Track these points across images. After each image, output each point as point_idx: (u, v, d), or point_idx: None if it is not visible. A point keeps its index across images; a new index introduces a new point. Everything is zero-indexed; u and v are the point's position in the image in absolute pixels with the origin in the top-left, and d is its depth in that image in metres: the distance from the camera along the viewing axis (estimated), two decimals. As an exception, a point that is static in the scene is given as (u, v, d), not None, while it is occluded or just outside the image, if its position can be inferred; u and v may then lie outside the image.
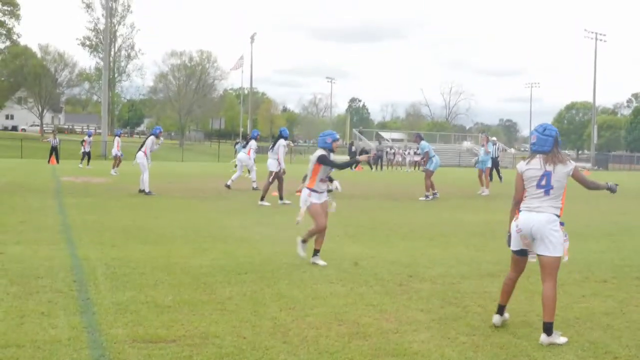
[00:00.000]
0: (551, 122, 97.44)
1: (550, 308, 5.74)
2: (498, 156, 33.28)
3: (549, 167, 5.83)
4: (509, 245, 6.16)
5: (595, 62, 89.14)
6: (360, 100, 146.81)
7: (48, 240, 10.36)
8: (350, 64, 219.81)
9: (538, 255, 5.88)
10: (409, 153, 56.19)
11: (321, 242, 9.28)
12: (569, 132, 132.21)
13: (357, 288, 7.68)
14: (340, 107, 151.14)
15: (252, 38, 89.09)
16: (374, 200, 20.02)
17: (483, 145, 25.21)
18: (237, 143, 42.09)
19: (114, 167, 30.36)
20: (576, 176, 5.92)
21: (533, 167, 5.92)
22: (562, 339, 5.71)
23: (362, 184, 28.06)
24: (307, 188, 9.22)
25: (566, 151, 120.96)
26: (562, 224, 5.87)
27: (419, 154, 53.31)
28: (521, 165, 6.07)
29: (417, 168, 52.60)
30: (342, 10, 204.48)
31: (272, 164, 17.54)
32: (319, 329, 5.95)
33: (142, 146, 19.56)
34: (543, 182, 5.84)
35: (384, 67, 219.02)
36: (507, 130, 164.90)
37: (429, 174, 20.60)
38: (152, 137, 19.68)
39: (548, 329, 5.69)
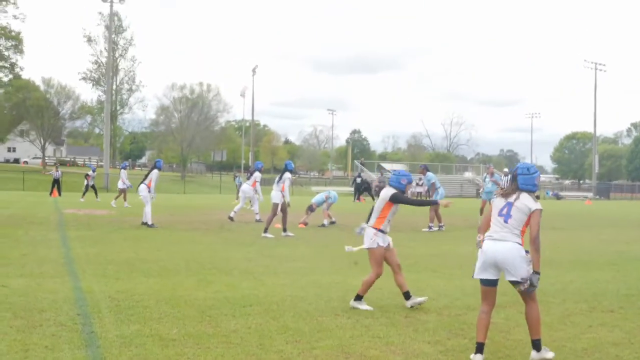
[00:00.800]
0: (552, 152, 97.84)
1: (536, 326, 6.00)
2: None
3: (511, 200, 6.09)
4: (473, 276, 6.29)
5: (595, 92, 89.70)
6: (360, 132, 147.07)
7: (51, 273, 10.32)
8: (348, 95, 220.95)
9: (509, 281, 6.05)
10: (413, 184, 56.13)
11: (403, 282, 8.56)
12: (570, 161, 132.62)
13: (363, 320, 7.62)
14: (341, 138, 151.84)
15: (254, 71, 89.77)
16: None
17: (488, 176, 25.15)
18: (235, 177, 42.08)
19: (116, 199, 30.59)
20: (532, 220, 5.99)
21: (501, 199, 6.22)
22: (550, 354, 5.97)
23: (365, 215, 27.97)
24: (374, 228, 8.48)
25: (567, 181, 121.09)
26: (526, 252, 5.98)
27: (420, 185, 53.75)
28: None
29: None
30: (336, 42, 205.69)
31: (276, 196, 17.57)
32: (325, 362, 5.90)
33: (145, 179, 19.61)
34: (504, 212, 6.08)
35: (383, 98, 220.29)
36: (509, 161, 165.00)
37: (434, 205, 20.57)
38: (155, 171, 19.76)
39: (537, 345, 5.99)
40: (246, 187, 22.30)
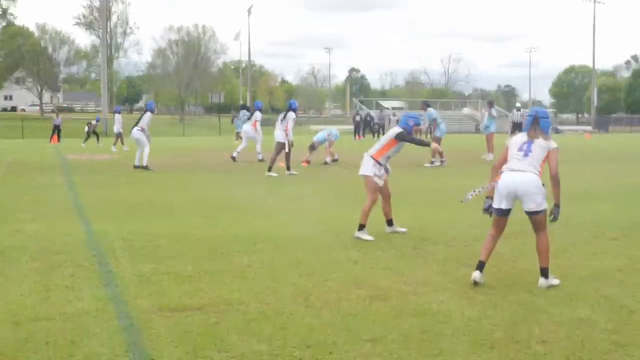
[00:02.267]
0: (550, 86, 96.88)
1: (544, 255, 6.31)
2: (522, 122, 33.69)
3: (531, 138, 6.44)
4: (486, 210, 6.69)
5: (594, 25, 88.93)
6: (359, 70, 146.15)
7: (62, 217, 10.47)
8: (344, 34, 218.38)
9: (526, 212, 6.34)
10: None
11: (389, 210, 9.07)
12: (569, 95, 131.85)
13: (372, 253, 7.80)
14: (339, 77, 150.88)
15: (249, 11, 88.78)
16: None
17: (487, 112, 25.23)
18: (234, 118, 41.96)
19: (114, 144, 30.67)
20: (551, 157, 6.38)
21: (518, 137, 6.62)
22: (556, 281, 6.34)
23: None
24: (373, 158, 8.83)
25: (566, 115, 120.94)
26: (543, 185, 6.29)
27: (421, 121, 53.64)
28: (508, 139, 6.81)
29: (419, 134, 52.66)
30: None
31: (279, 135, 17.57)
32: (339, 293, 6.08)
33: (137, 122, 19.40)
34: (524, 147, 6.40)
35: (380, 36, 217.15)
36: (507, 96, 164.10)
37: (436, 140, 20.67)
38: (148, 114, 19.49)
39: (545, 273, 6.28)
40: (247, 127, 22.32)
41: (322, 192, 13.79)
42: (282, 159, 17.76)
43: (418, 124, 9.21)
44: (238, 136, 36.14)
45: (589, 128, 78.20)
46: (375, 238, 8.59)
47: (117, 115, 31.84)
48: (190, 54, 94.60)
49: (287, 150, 17.39)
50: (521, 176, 6.25)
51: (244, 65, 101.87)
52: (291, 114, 17.65)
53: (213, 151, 28.99)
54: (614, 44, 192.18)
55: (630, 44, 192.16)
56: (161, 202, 12.25)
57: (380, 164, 8.84)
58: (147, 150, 18.97)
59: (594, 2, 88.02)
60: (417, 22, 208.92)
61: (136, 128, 19.20)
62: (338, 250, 8.00)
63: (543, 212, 6.25)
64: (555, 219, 6.34)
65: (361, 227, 8.69)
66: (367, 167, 8.80)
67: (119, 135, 30.96)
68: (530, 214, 6.28)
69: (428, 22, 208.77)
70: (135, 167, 19.06)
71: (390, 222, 9.08)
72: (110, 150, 28.97)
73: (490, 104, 26.32)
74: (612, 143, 40.88)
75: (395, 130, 8.90)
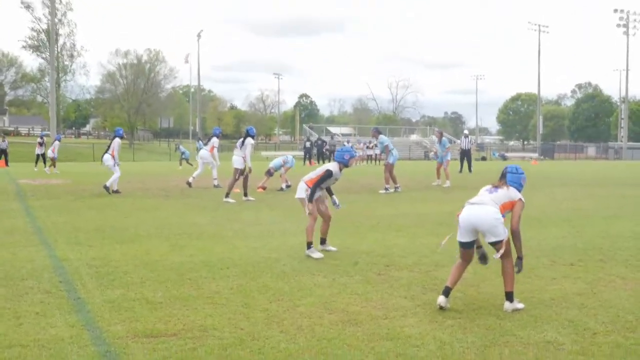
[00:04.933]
0: (497, 114, 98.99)
1: (509, 279, 6.49)
2: (470, 148, 34.64)
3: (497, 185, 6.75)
4: (480, 260, 7.01)
5: (539, 53, 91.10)
6: (308, 96, 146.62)
7: (23, 243, 10.35)
8: (294, 59, 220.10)
9: (488, 242, 6.53)
10: (364, 147, 56.44)
11: (327, 231, 9.92)
12: (515, 122, 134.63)
13: (339, 278, 7.93)
14: (288, 103, 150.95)
15: (199, 35, 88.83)
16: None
17: (439, 142, 25.66)
18: (177, 145, 44.46)
19: (48, 167, 33.31)
20: (515, 207, 6.58)
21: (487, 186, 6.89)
22: (521, 305, 6.51)
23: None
24: (305, 183, 9.66)
25: (512, 142, 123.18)
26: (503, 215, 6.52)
27: (371, 148, 54.30)
28: None
29: (370, 162, 53.16)
30: (277, 4, 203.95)
31: (237, 161, 17.72)
32: (311, 318, 6.18)
33: (108, 149, 19.70)
34: (490, 189, 6.73)
35: (328, 61, 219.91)
36: (454, 123, 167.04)
37: (389, 167, 20.97)
38: (117, 139, 19.90)
39: (510, 297, 6.46)
40: (204, 152, 22.35)
41: (281, 217, 13.88)
42: (239, 185, 17.82)
43: (353, 157, 10.01)
44: (182, 162, 38.04)
45: (535, 155, 79.88)
46: (340, 264, 8.76)
47: (56, 142, 33.81)
48: (139, 78, 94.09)
49: (244, 176, 17.52)
50: (478, 210, 6.46)
51: (193, 89, 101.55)
52: (249, 140, 17.83)
53: (167, 176, 28.90)
54: (559, 73, 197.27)
55: (574, 74, 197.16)
56: (123, 227, 12.20)
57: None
58: (117, 175, 19.31)
59: (539, 31, 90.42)
60: (364, 46, 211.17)
61: (107, 154, 19.74)
62: (305, 275, 8.11)
63: (505, 240, 6.41)
64: (519, 270, 6.58)
65: (309, 245, 9.37)
66: (301, 191, 9.64)
67: (53, 159, 33.10)
68: (492, 244, 6.46)
69: (374, 47, 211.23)
70: (105, 187, 19.24)
71: (323, 241, 9.83)
72: (59, 175, 28.97)
73: (440, 134, 26.81)
74: (559, 169, 41.91)
75: (328, 166, 9.76)
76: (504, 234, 6.38)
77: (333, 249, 9.81)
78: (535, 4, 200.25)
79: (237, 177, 17.64)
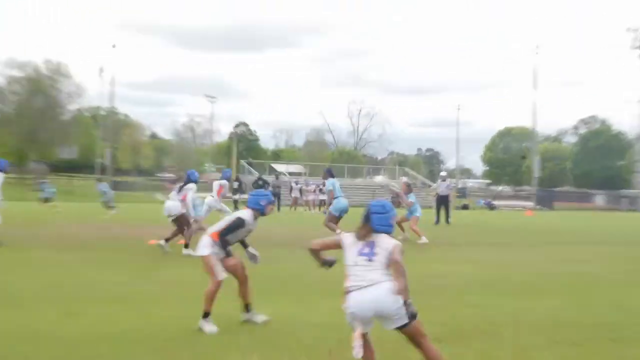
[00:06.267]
0: (483, 151, 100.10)
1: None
2: (448, 194, 34.65)
3: (369, 239, 6.44)
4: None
5: (535, 78, 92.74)
6: (247, 125, 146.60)
7: None
8: (230, 79, 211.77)
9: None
10: (316, 190, 56.43)
11: (247, 293, 9.66)
12: (505, 163, 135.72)
13: (280, 358, 7.76)
14: (223, 132, 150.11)
15: (114, 46, 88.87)
16: (279, 248, 19.98)
17: (406, 194, 24.76)
18: (98, 183, 43.56)
19: None
20: (395, 256, 6.30)
21: (349, 239, 6.62)
22: None
23: (261, 228, 28.09)
24: (210, 237, 9.42)
25: (500, 187, 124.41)
26: None
27: (323, 193, 54.05)
28: None
29: (321, 209, 53.11)
30: (210, 10, 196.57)
31: (175, 207, 18.50)
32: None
33: None
34: (365, 250, 6.37)
35: (274, 83, 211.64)
36: (429, 162, 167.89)
37: (331, 217, 21.16)
38: (1, 174, 19.39)
39: None
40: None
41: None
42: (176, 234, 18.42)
43: (270, 202, 9.88)
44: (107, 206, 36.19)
45: (530, 204, 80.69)
46: (281, 339, 8.63)
47: None
48: (36, 95, 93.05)
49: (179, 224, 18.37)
50: (375, 293, 6.15)
51: (103, 112, 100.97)
52: (190, 185, 18.72)
53: (65, 222, 28.47)
54: (559, 104, 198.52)
55: (578, 105, 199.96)
56: (3, 287, 11.93)
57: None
58: None
59: (536, 53, 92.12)
60: (319, 66, 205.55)
61: None
62: (234, 354, 7.91)
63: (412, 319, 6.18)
64: (413, 316, 6.21)
65: (205, 314, 9.16)
66: (204, 248, 9.37)
67: None
68: (399, 328, 6.24)
69: (332, 66, 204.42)
70: None
71: (247, 307, 9.63)
72: None
73: (409, 188, 25.59)
74: (559, 222, 42.39)
75: (238, 214, 9.72)
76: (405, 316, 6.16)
77: (264, 318, 9.58)
78: (531, 23, 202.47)
79: (186, 223, 18.51)
